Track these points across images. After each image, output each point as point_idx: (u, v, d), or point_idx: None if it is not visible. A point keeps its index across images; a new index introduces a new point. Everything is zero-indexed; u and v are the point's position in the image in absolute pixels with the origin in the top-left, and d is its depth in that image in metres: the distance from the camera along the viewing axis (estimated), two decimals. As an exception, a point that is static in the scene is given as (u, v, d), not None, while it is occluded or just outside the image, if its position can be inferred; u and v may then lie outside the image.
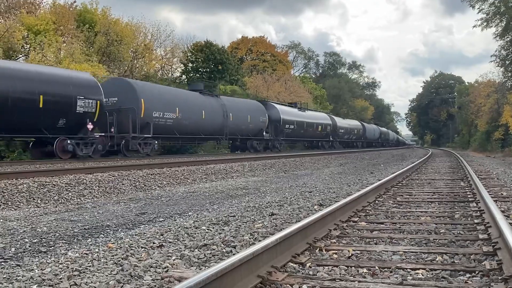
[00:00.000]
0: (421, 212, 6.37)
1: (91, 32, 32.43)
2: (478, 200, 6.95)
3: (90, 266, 3.74)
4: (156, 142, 22.43)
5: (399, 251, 4.12)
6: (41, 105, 16.39)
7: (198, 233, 5.05)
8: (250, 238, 4.54)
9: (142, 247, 4.42)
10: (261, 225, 5.36)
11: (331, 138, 45.75)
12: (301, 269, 3.63)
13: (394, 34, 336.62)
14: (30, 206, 8.40)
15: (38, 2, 31.41)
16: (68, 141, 17.47)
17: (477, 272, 3.45)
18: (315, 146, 43.96)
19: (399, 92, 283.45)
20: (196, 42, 46.33)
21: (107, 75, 28.03)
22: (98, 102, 18.75)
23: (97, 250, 4.46)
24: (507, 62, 31.34)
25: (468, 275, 3.42)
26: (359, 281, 3.26)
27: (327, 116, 45.97)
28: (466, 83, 79.89)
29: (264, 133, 32.25)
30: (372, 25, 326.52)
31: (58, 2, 32.76)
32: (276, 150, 33.89)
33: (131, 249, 4.34)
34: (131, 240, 4.83)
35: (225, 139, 28.68)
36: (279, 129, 34.20)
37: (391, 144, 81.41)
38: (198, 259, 3.84)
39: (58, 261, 4.03)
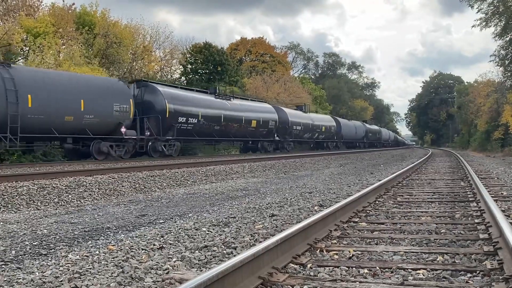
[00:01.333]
0: (422, 212, 6.36)
1: (90, 34, 32.45)
2: (479, 199, 6.95)
3: (90, 269, 3.74)
4: None
5: (400, 251, 4.12)
6: None
7: (198, 235, 5.04)
8: (250, 239, 4.54)
9: (142, 249, 4.42)
10: (261, 226, 5.36)
11: (276, 137, 34.06)
12: (302, 270, 3.63)
13: (393, 34, 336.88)
14: (30, 208, 8.39)
15: (37, 5, 31.43)
16: None
17: (478, 272, 3.45)
18: (251, 149, 32.64)
19: (398, 92, 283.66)
20: (195, 44, 46.36)
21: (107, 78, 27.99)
22: None
23: (97, 252, 4.46)
24: (507, 62, 31.36)
25: (469, 275, 3.41)
26: (360, 282, 3.26)
27: (271, 107, 34.30)
28: (466, 83, 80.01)
29: (124, 130, 20.22)
30: (370, 25, 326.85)
31: (57, 5, 32.84)
32: (159, 155, 22.56)
33: (132, 251, 4.33)
34: (131, 242, 4.83)
35: (11, 139, 16.12)
36: (166, 124, 22.73)
37: (386, 145, 73.44)
38: (199, 260, 3.84)
39: (59, 264, 4.03)
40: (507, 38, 30.04)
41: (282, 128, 34.73)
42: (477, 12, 30.42)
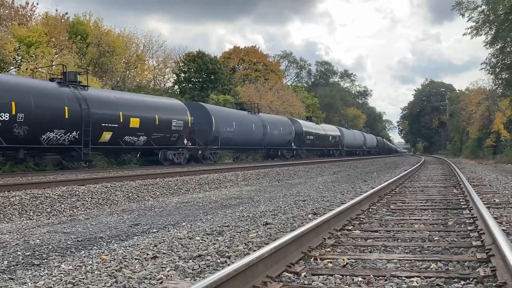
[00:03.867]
0: (415, 219, 6.38)
1: (83, 43, 32.41)
2: (471, 207, 6.99)
3: (83, 279, 3.72)
4: None
5: (393, 259, 4.13)
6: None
7: (192, 244, 5.03)
8: (244, 248, 4.53)
9: (136, 259, 4.39)
10: (255, 234, 5.35)
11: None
12: (296, 278, 3.62)
13: (382, 43, 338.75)
14: (22, 218, 8.33)
15: (29, 14, 31.38)
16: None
17: (471, 279, 3.47)
18: None
19: (389, 100, 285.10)
20: (188, 52, 46.46)
21: (100, 86, 27.90)
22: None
23: (90, 262, 4.43)
24: (498, 70, 31.60)
25: (462, 282, 3.43)
26: (354, 290, 3.27)
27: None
28: (457, 91, 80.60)
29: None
30: (360, 34, 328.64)
31: (50, 14, 32.79)
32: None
33: (125, 261, 4.31)
34: (124, 252, 4.80)
35: None
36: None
37: (358, 153, 60.19)
38: (192, 270, 3.83)
39: (52, 274, 4.00)
40: (498, 46, 30.27)
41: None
42: (467, 21, 30.64)
